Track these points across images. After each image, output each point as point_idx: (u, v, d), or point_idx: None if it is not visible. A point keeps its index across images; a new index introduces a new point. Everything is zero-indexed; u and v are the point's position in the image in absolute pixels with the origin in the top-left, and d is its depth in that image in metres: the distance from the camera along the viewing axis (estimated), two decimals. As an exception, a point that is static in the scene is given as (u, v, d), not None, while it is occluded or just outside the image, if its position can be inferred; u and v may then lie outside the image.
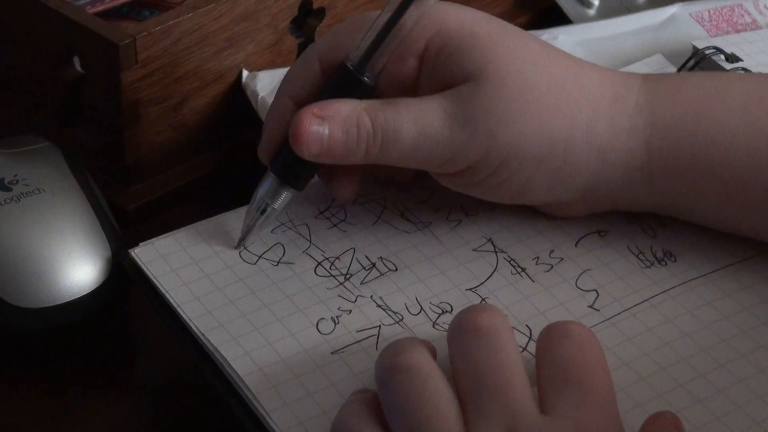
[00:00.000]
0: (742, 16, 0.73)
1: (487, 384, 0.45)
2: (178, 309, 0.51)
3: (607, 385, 0.46)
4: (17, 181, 0.56)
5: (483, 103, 0.52)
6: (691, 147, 0.53)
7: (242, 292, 0.53)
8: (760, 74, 0.63)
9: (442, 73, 0.53)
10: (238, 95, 0.64)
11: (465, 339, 0.46)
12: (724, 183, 0.53)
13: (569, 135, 0.53)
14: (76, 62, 0.62)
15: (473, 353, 0.46)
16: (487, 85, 0.52)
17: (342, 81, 0.53)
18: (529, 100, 0.52)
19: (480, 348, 0.46)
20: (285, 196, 0.54)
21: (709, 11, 0.73)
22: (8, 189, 0.55)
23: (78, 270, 0.54)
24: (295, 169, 0.53)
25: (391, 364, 0.46)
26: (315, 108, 0.52)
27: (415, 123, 0.52)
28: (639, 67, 0.67)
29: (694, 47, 0.67)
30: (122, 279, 0.55)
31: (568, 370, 0.45)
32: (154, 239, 0.54)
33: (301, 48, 0.67)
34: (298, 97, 0.54)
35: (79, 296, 0.53)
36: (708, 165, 0.53)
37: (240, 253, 0.54)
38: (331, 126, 0.51)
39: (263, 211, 0.54)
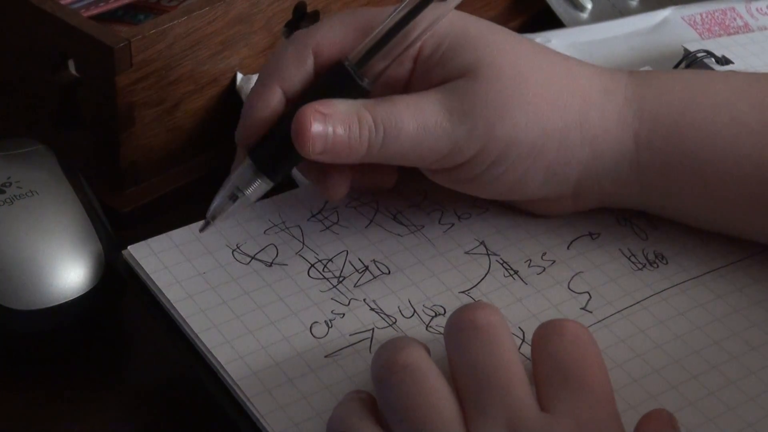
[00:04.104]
0: (735, 19, 0.73)
1: (487, 381, 0.45)
2: (172, 308, 0.51)
3: (605, 383, 0.46)
4: (10, 184, 0.56)
5: (480, 96, 0.52)
6: (677, 139, 0.54)
7: (236, 293, 0.53)
8: (744, 73, 0.63)
9: (436, 72, 0.53)
10: (232, 98, 0.65)
11: (462, 336, 0.46)
12: (708, 176, 0.54)
13: (564, 126, 0.53)
14: (71, 65, 0.63)
15: (471, 350, 0.46)
16: (483, 79, 0.52)
17: (338, 82, 0.52)
18: (524, 92, 0.53)
19: (478, 345, 0.46)
20: (259, 185, 0.52)
21: (701, 15, 0.73)
22: (1, 191, 0.55)
23: (70, 273, 0.54)
24: (277, 159, 0.52)
25: (389, 362, 0.46)
26: (318, 105, 0.51)
27: (415, 118, 0.52)
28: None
29: (685, 50, 0.67)
30: (115, 281, 0.55)
31: (567, 368, 0.46)
32: (148, 239, 0.54)
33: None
34: (287, 88, 0.53)
35: (71, 299, 0.53)
36: (693, 157, 0.54)
37: (233, 252, 0.54)
38: (334, 123, 0.51)
39: (234, 198, 0.53)
